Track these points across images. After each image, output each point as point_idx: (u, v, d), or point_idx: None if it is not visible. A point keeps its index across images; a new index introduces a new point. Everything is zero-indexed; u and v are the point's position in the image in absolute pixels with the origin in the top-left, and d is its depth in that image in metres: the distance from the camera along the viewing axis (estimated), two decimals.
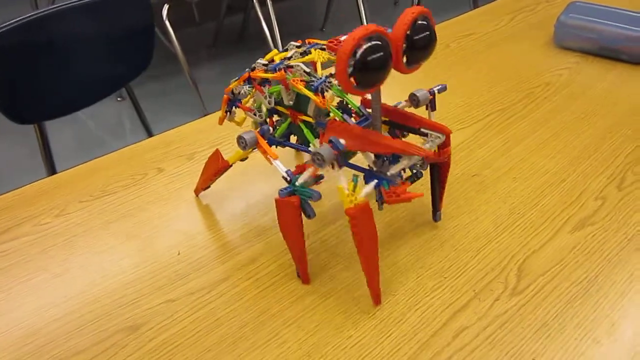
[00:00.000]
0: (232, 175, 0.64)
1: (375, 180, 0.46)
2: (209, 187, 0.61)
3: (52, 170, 0.94)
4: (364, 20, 2.46)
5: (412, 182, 0.51)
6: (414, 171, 0.52)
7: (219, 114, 0.77)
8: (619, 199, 0.61)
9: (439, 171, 0.55)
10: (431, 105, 0.51)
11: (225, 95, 0.55)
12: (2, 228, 0.58)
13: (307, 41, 0.54)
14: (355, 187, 0.45)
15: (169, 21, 1.94)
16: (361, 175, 0.48)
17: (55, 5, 0.89)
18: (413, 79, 0.85)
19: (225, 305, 0.49)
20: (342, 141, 0.44)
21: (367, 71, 0.41)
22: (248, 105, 0.55)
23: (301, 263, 0.51)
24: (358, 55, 0.41)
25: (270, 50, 0.55)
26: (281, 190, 0.47)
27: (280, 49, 2.36)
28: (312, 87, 0.47)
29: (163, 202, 0.61)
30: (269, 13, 2.19)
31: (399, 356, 0.45)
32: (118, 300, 0.50)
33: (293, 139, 0.56)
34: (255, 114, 0.54)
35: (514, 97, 0.81)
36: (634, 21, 0.88)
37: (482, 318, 0.48)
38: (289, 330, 0.47)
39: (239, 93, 0.54)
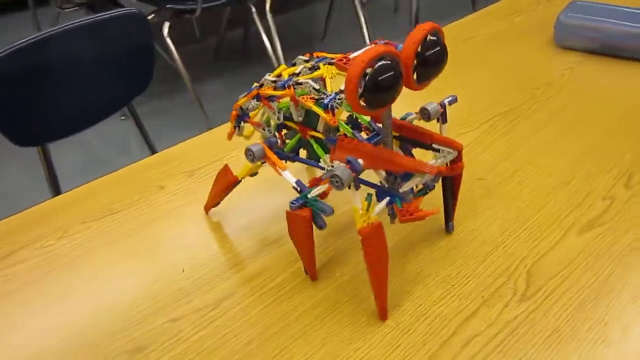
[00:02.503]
0: (234, 190, 0.64)
1: (388, 198, 0.46)
2: (218, 203, 0.60)
3: (56, 192, 0.94)
4: (364, 30, 2.47)
5: (423, 196, 0.51)
6: (425, 184, 0.51)
7: (220, 129, 0.77)
8: (627, 198, 0.60)
9: (451, 182, 0.54)
10: (442, 118, 0.51)
11: (233, 111, 0.55)
12: (5, 252, 0.57)
13: (314, 55, 0.54)
14: (368, 206, 0.44)
15: (170, 38, 1.95)
16: (373, 192, 0.48)
17: (55, 28, 0.90)
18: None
19: (230, 322, 0.49)
20: (360, 161, 0.43)
21: (377, 92, 0.40)
22: (256, 119, 0.55)
23: (311, 268, 0.52)
24: (368, 77, 0.40)
25: (272, 63, 0.55)
26: (292, 203, 0.47)
27: (283, 61, 2.37)
28: (322, 104, 0.47)
29: (165, 220, 0.61)
30: (269, 26, 2.20)
31: None
32: (122, 321, 0.49)
33: (302, 152, 0.56)
34: (264, 129, 0.54)
35: (517, 98, 0.80)
36: (634, 18, 0.87)
37: (491, 325, 0.47)
38: (296, 344, 0.46)
39: (247, 108, 0.54)
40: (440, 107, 0.50)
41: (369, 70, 0.40)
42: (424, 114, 0.50)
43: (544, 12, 1.07)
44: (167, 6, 1.82)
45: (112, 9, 0.92)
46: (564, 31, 0.92)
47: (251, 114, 0.54)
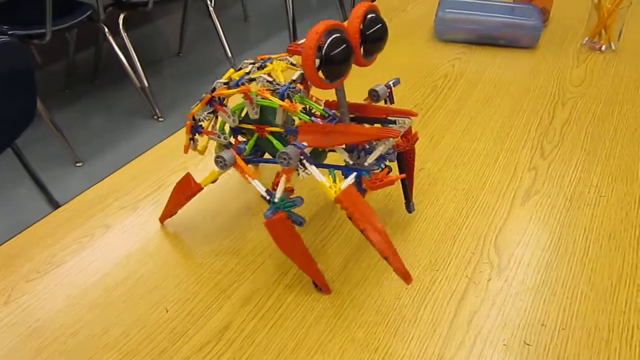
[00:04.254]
0: (191, 213, 0.61)
1: (355, 172, 0.47)
2: (176, 213, 0.58)
3: None
4: (222, 39, 2.44)
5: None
6: (382, 166, 0.53)
7: (144, 157, 0.72)
8: (547, 166, 0.69)
9: (405, 160, 0.57)
10: (390, 99, 0.53)
11: (187, 122, 0.53)
12: None
13: (257, 58, 0.54)
14: (334, 179, 0.45)
15: None
16: (338, 172, 0.49)
17: None
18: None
19: (239, 353, 0.46)
20: (305, 143, 0.46)
21: (334, 64, 0.43)
22: (209, 129, 0.53)
23: (315, 273, 0.50)
24: (324, 48, 0.42)
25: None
26: (266, 213, 0.47)
27: (144, 79, 2.22)
28: (279, 94, 0.48)
29: (125, 261, 0.55)
30: (125, 44, 2.08)
31: (429, 355, 0.46)
32: None
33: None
34: (219, 137, 0.52)
35: (422, 92, 0.86)
36: (505, 10, 0.98)
37: (484, 300, 0.51)
38: (316, 358, 0.46)
39: (199, 119, 0.52)
40: (387, 88, 0.53)
41: (324, 44, 0.42)
42: (373, 95, 0.52)
43: (415, 10, 1.16)
44: (10, 32, 1.64)
45: None
46: (444, 26, 1.01)
47: (204, 124, 0.53)
